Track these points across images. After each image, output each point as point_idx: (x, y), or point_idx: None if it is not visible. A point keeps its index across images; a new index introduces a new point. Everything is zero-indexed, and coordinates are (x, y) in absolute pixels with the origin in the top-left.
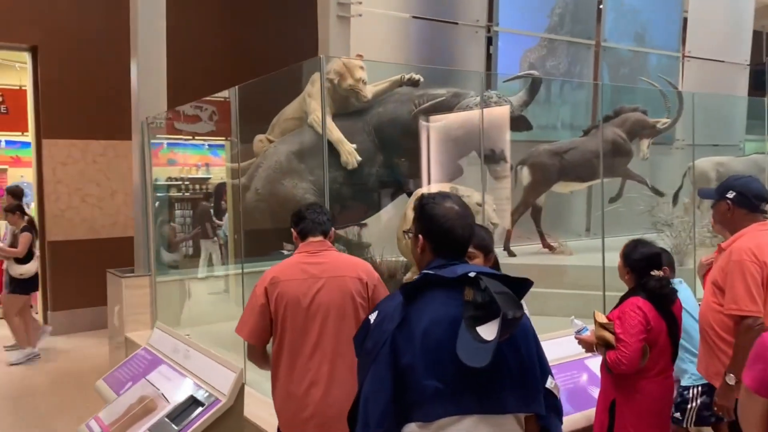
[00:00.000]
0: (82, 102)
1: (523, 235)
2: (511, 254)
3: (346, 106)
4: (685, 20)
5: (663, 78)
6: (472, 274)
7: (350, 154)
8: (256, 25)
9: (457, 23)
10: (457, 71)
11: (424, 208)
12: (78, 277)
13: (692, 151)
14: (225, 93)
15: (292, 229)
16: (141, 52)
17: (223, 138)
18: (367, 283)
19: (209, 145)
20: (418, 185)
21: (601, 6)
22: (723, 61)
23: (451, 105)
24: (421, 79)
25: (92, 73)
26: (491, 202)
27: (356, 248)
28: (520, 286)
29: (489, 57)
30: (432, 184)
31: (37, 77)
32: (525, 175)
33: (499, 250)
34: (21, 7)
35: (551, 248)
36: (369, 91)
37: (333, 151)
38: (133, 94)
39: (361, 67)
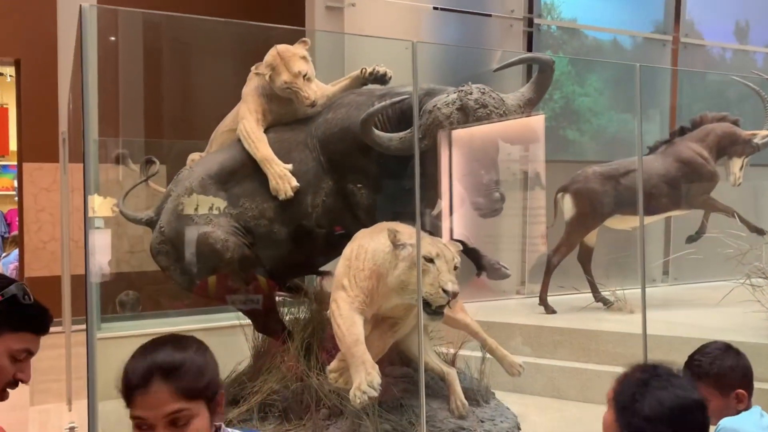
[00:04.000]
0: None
1: (568, 284)
2: (550, 310)
3: (293, 112)
4: None
5: (758, 74)
6: None
7: (282, 178)
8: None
9: (490, 15)
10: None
11: None
12: None
13: None
14: None
15: None
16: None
17: None
18: None
19: None
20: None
21: None
22: None
23: (420, 106)
24: (389, 73)
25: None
26: (448, 253)
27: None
28: None
29: None
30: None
31: (20, 93)
32: (568, 206)
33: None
34: (3, 18)
35: (606, 302)
36: (318, 90)
37: (263, 174)
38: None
39: (303, 58)
